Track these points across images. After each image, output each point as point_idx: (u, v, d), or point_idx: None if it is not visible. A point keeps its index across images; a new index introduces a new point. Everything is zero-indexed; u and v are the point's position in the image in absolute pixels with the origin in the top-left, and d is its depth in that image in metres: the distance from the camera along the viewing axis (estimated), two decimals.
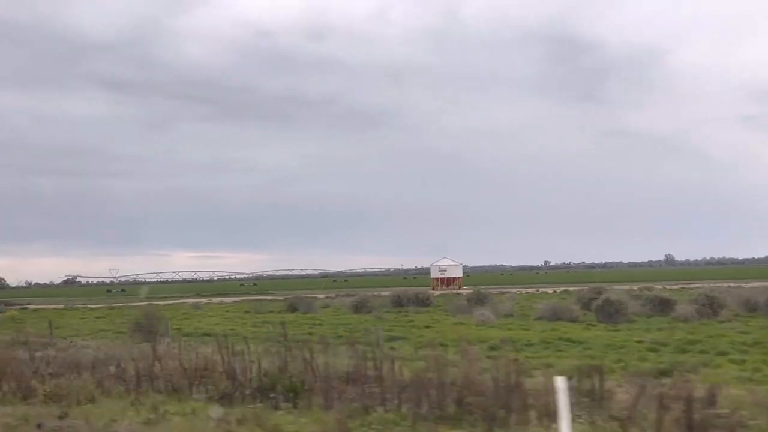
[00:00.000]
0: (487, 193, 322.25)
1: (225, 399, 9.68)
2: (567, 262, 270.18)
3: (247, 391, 9.73)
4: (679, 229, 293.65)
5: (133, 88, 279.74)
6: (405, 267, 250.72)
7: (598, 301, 29.33)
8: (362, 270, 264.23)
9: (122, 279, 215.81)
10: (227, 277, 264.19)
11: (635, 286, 51.32)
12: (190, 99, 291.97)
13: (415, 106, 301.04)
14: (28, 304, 63.00)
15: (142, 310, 28.06)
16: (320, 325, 29.97)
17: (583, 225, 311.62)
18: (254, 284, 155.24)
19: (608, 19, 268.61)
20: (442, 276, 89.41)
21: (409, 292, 46.94)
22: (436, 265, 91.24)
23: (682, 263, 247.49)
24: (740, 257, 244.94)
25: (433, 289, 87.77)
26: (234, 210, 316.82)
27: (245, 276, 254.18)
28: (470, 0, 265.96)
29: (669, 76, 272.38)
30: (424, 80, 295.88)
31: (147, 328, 22.08)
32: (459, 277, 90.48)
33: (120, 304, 57.39)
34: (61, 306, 58.28)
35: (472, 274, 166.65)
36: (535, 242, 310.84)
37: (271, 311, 41.18)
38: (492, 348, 17.17)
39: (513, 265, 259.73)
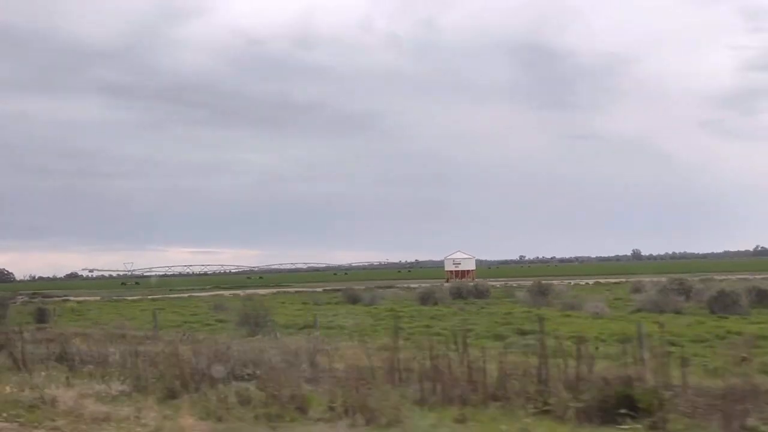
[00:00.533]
0: (464, 192, 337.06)
1: (548, 414, 8.00)
2: (541, 256, 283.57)
3: (579, 405, 7.88)
4: (644, 225, 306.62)
5: (132, 93, 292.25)
6: (390, 261, 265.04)
7: (711, 292, 28.69)
8: (348, 264, 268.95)
9: (135, 272, 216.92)
10: (224, 271, 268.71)
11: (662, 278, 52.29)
12: (186, 104, 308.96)
13: (398, 111, 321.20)
14: (66, 296, 63.96)
15: (244, 302, 28.86)
16: (437, 319, 27.68)
17: (554, 222, 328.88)
18: (260, 277, 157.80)
19: (579, 29, 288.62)
20: (456, 269, 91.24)
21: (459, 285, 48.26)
22: (449, 258, 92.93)
23: (648, 258, 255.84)
24: (700, 252, 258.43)
25: (447, 281, 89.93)
26: (227, 209, 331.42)
27: (237, 270, 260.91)
28: (448, 10, 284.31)
29: (635, 83, 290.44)
30: (406, 86, 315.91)
31: (254, 321, 21.62)
32: (472, 270, 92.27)
33: (159, 296, 58.95)
34: (99, 298, 59.58)
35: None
36: (511, 238, 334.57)
37: (328, 303, 41.48)
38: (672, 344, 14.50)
39: (491, 259, 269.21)
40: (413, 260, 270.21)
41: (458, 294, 42.80)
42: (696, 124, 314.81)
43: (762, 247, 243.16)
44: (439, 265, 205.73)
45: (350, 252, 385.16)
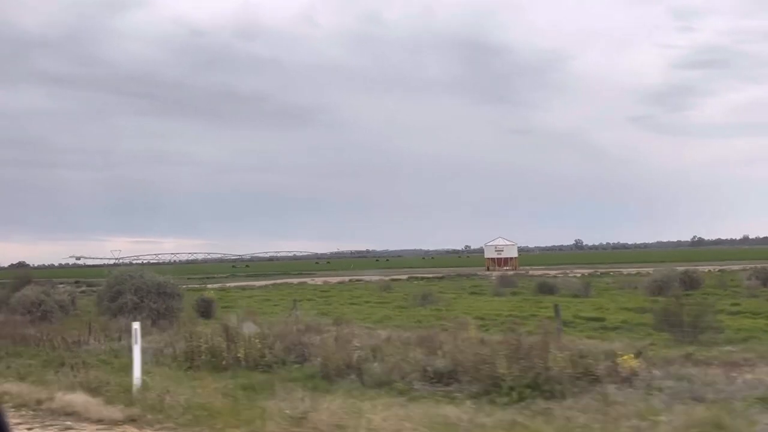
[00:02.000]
0: (407, 184, 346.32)
1: None
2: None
3: None
4: (584, 216, 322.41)
5: (73, 83, 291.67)
6: (341, 250, 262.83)
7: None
8: (292, 254, 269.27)
9: (123, 260, 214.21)
10: (173, 260, 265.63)
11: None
12: (129, 94, 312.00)
13: (341, 104, 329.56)
14: None
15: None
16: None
17: (497, 213, 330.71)
18: (246, 266, 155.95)
19: (518, 26, 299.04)
20: (498, 256, 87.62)
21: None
22: (491, 245, 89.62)
23: (590, 248, 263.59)
24: (631, 242, 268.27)
25: (487, 270, 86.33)
26: (169, 199, 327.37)
27: (174, 259, 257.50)
28: (392, 5, 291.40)
29: (570, 79, 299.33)
30: (350, 80, 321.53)
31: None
32: (514, 258, 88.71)
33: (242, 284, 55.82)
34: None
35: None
36: (456, 228, 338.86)
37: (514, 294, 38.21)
38: None
39: (434, 249, 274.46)
40: (364, 249, 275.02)
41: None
42: (627, 120, 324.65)
43: (699, 237, 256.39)
44: (397, 253, 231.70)
45: (296, 242, 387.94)
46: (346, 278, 64.34)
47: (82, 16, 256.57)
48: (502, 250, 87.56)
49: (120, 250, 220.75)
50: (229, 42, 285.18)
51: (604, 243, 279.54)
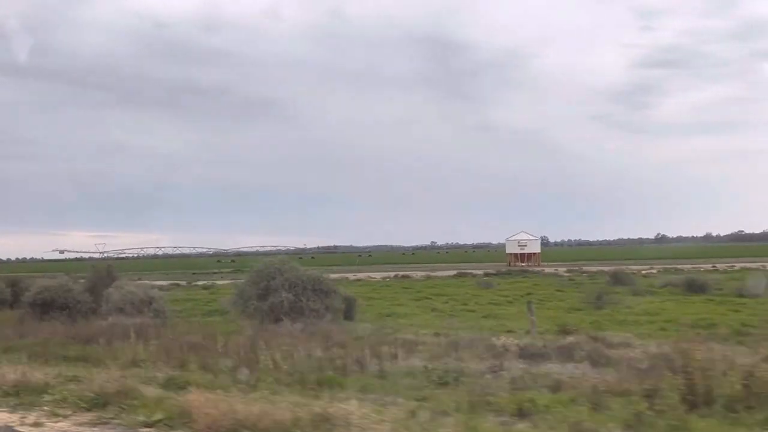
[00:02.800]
0: (372, 179, 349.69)
1: None
2: (453, 242, 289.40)
3: None
4: (549, 213, 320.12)
5: (31, 74, 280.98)
6: (308, 246, 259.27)
7: None
8: (254, 249, 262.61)
9: (109, 254, 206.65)
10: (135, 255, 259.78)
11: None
12: (89, 86, 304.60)
13: (303, 99, 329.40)
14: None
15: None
16: None
17: (462, 209, 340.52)
18: (232, 261, 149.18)
19: (481, 23, 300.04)
20: (522, 251, 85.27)
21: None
22: (513, 240, 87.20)
23: (554, 244, 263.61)
24: (592, 239, 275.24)
25: (509, 265, 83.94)
26: (128, 192, 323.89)
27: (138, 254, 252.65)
28: (356, 0, 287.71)
29: (533, 76, 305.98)
30: (312, 74, 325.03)
31: None
32: (537, 253, 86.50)
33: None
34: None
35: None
36: (422, 224, 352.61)
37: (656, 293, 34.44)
38: None
39: (407, 245, 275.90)
40: (332, 245, 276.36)
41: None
42: (589, 118, 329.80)
43: (663, 235, 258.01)
44: (365, 249, 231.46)
45: (255, 236, 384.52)
46: (391, 274, 61.05)
47: (41, 6, 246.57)
48: (526, 245, 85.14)
49: (104, 243, 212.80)
50: (192, 34, 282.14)
51: (568, 240, 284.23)
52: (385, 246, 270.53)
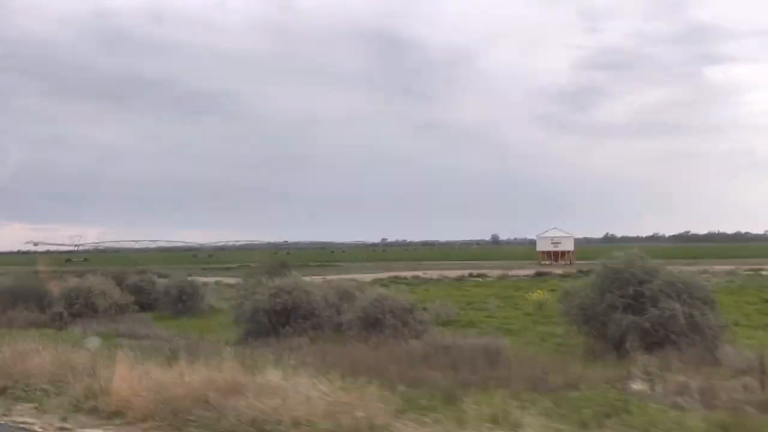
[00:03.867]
0: (320, 175, 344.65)
1: None
2: (402, 239, 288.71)
3: None
4: (499, 211, 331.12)
5: None
6: (257, 240, 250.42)
7: None
8: (198, 244, 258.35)
9: (84, 247, 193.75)
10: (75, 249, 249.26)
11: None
12: (29, 75, 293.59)
13: (250, 92, 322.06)
14: None
15: None
16: None
17: (411, 206, 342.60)
18: (209, 256, 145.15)
19: (430, 20, 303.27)
20: (555, 249, 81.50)
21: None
22: (545, 237, 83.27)
23: (506, 242, 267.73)
24: (529, 237, 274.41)
25: (540, 264, 79.97)
26: (68, 184, 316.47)
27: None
28: None
29: (480, 75, 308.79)
30: (260, 68, 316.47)
31: None
32: (571, 251, 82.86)
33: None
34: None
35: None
36: (370, 221, 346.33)
37: None
38: None
39: (347, 241, 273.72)
40: (282, 240, 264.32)
41: None
42: (534, 117, 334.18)
43: (611, 234, 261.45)
44: (318, 245, 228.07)
45: (199, 231, 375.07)
46: (464, 272, 55.99)
47: None
48: (560, 243, 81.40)
49: (80, 236, 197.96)
50: (137, 24, 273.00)
51: (520, 238, 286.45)
52: (333, 243, 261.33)
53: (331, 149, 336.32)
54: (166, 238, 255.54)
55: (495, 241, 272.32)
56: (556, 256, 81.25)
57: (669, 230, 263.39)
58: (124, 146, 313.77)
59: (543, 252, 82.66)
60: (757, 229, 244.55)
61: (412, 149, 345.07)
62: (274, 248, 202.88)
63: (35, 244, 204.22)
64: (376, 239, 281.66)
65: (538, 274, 52.68)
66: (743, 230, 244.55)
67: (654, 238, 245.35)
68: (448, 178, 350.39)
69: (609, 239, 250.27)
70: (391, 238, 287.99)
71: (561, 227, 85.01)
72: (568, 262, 79.66)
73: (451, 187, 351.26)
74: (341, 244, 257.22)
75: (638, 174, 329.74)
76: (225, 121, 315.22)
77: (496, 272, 55.24)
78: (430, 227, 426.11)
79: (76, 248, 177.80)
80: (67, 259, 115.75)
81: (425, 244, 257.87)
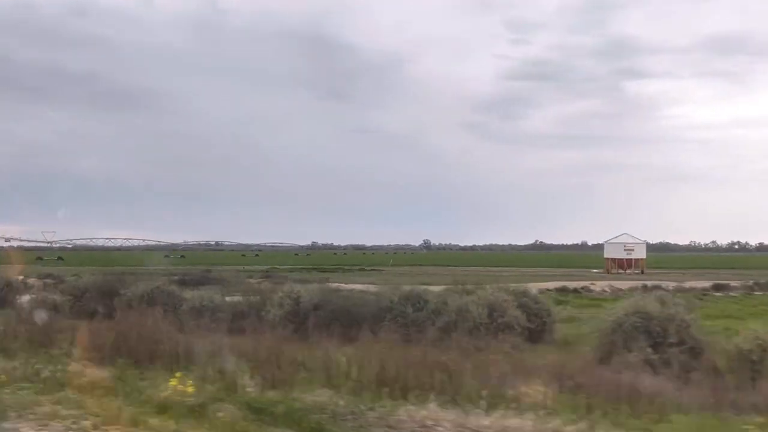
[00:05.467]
0: (248, 176, 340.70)
1: None
2: (331, 243, 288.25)
3: None
4: (430, 217, 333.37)
5: None
6: (188, 241, 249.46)
7: None
8: (120, 245, 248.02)
9: (57, 244, 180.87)
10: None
11: None
12: None
13: (174, 90, 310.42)
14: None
15: None
16: None
17: (342, 210, 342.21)
18: (182, 256, 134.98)
19: (362, 25, 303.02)
20: (628, 257, 74.54)
21: None
22: (616, 243, 76.42)
23: (438, 248, 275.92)
24: (461, 244, 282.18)
25: (607, 272, 73.48)
26: None
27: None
28: None
29: (411, 81, 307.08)
30: (185, 66, 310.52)
31: None
32: (642, 259, 75.83)
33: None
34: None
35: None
36: (298, 224, 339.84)
37: None
38: None
39: (275, 243, 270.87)
40: (213, 241, 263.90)
41: None
42: (462, 126, 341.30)
43: (540, 242, 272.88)
44: (248, 247, 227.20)
45: (120, 231, 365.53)
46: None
47: None
48: (633, 250, 74.39)
49: (54, 232, 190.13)
50: (59, 17, 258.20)
51: (452, 244, 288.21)
52: (261, 245, 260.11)
53: (259, 150, 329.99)
54: (86, 236, 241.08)
55: (427, 246, 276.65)
56: (624, 264, 74.37)
57: (596, 239, 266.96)
58: (43, 142, 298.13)
59: (612, 259, 75.86)
60: (683, 241, 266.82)
61: (342, 153, 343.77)
62: (213, 249, 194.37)
63: (6, 240, 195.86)
64: (305, 242, 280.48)
65: (717, 288, 44.74)
66: (667, 241, 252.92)
67: (583, 246, 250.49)
68: (378, 182, 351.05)
69: (538, 246, 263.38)
70: (320, 242, 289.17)
71: (631, 233, 78.14)
72: (639, 271, 72.89)
73: (381, 192, 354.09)
74: (271, 246, 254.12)
75: (564, 183, 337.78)
76: (150, 119, 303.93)
77: (600, 284, 47.65)
78: (359, 232, 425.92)
79: (49, 245, 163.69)
80: (38, 257, 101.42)
81: (356, 248, 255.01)
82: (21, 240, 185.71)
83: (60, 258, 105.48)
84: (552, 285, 41.47)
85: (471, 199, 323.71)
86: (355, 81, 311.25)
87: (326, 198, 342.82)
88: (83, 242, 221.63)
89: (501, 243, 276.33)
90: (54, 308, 19.59)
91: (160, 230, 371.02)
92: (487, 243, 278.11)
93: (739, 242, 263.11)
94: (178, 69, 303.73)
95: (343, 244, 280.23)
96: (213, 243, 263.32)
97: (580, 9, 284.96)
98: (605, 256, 77.96)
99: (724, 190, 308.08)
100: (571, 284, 45.94)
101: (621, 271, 73.48)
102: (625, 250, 74.71)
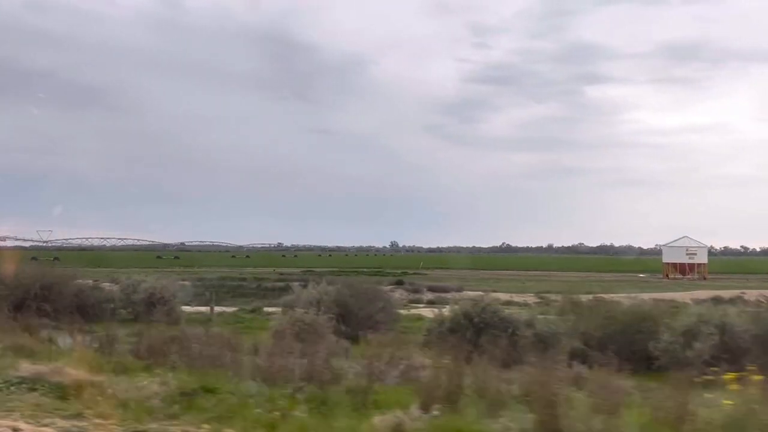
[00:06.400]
0: (207, 176, 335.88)
1: None
2: (301, 244, 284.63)
3: None
4: (397, 219, 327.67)
5: None
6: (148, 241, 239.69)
7: None
8: (73, 243, 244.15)
9: (54, 243, 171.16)
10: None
11: None
12: None
13: (135, 88, 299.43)
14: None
15: None
16: None
17: (304, 210, 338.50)
18: (176, 257, 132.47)
19: (323, 26, 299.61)
20: (690, 261, 70.46)
21: None
22: (677, 247, 72.59)
23: (406, 250, 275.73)
24: (426, 246, 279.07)
25: (666, 277, 69.51)
26: None
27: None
28: None
29: (371, 83, 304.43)
30: (146, 64, 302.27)
31: None
32: (705, 264, 71.68)
33: None
34: None
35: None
36: (265, 225, 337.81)
37: None
38: None
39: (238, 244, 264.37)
40: (178, 242, 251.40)
41: None
42: (423, 128, 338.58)
43: (507, 244, 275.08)
44: (211, 247, 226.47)
45: (72, 229, 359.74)
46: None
47: None
48: (695, 254, 70.40)
49: (51, 231, 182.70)
50: (16, 13, 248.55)
51: (419, 246, 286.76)
52: (219, 245, 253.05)
53: (222, 150, 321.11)
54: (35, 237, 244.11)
55: (395, 248, 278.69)
56: (684, 269, 70.31)
57: (564, 241, 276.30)
58: None
59: (671, 264, 71.85)
60: (649, 244, 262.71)
61: (304, 154, 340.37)
62: (178, 249, 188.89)
63: (2, 240, 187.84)
64: (270, 243, 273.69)
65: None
66: (633, 244, 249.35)
67: (549, 249, 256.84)
68: (339, 184, 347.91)
69: (505, 249, 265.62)
70: (287, 242, 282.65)
71: (692, 236, 73.95)
72: (701, 277, 68.89)
73: (343, 193, 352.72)
74: (239, 247, 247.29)
75: (525, 186, 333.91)
76: (109, 117, 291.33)
77: (752, 293, 41.64)
78: (319, 233, 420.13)
79: (45, 244, 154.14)
80: (32, 258, 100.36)
81: (324, 249, 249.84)
82: (17, 239, 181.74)
83: (56, 258, 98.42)
84: (701, 295, 37.43)
85: (434, 201, 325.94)
86: (317, 82, 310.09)
87: (286, 198, 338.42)
88: (77, 242, 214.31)
89: (464, 245, 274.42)
90: None
91: (120, 228, 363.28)
92: (452, 245, 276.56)
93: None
94: (139, 66, 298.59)
95: (301, 244, 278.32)
96: (179, 244, 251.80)
97: (540, 14, 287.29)
98: (664, 260, 74.13)
99: (678, 194, 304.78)
100: (725, 294, 41.61)
101: (680, 276, 69.53)
102: (687, 254, 70.62)
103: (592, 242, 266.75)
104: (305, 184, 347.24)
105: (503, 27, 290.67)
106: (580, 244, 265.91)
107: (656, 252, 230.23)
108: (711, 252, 76.36)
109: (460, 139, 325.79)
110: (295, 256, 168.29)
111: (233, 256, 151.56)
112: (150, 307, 22.85)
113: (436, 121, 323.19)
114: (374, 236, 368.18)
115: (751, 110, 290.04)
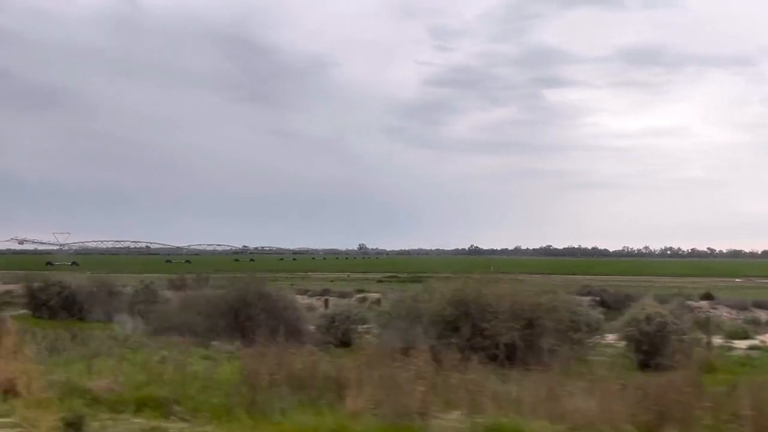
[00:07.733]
0: (166, 177, 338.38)
1: None
2: (267, 246, 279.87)
3: None
4: (365, 221, 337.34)
5: None
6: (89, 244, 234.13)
7: None
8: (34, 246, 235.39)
9: (72, 245, 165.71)
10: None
11: None
12: None
13: (91, 89, 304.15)
14: None
15: None
16: None
17: (268, 213, 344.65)
18: (187, 261, 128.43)
19: (284, 28, 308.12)
20: None
21: None
22: None
23: (376, 252, 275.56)
24: (389, 249, 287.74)
25: None
26: None
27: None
28: None
29: (333, 85, 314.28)
30: (104, 64, 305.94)
31: None
32: None
33: None
34: None
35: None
36: (227, 226, 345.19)
37: None
38: None
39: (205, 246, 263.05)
40: (146, 244, 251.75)
41: None
42: (383, 130, 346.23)
43: (475, 246, 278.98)
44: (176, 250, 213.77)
45: (9, 231, 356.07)
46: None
47: None
48: None
49: (69, 233, 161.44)
50: None
51: (388, 249, 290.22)
52: (180, 247, 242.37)
53: (179, 151, 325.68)
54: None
55: (363, 251, 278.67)
56: None
57: (533, 243, 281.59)
58: None
59: None
60: (616, 246, 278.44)
61: (265, 155, 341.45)
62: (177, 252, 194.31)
63: (20, 242, 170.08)
64: (234, 245, 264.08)
65: None
66: (600, 246, 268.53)
67: (517, 251, 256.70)
68: (301, 186, 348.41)
69: (474, 251, 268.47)
70: (252, 244, 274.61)
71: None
72: None
73: (306, 196, 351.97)
74: (200, 249, 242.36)
75: (487, 188, 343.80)
76: (67, 119, 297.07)
77: None
78: (283, 235, 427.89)
79: (60, 248, 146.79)
80: (47, 263, 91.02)
81: (295, 253, 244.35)
82: (34, 242, 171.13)
83: (75, 263, 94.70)
84: None
85: (398, 204, 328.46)
86: (277, 83, 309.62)
87: (249, 201, 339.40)
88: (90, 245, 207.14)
89: (431, 248, 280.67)
90: None
91: (80, 230, 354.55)
92: (417, 247, 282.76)
93: (671, 248, 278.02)
94: (96, 66, 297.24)
95: (267, 246, 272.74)
96: (145, 246, 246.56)
97: (500, 18, 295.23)
98: None
99: (640, 197, 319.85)
100: None
101: None
102: None
103: (560, 244, 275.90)
104: (267, 186, 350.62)
105: (465, 30, 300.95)
106: (548, 246, 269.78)
107: (624, 254, 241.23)
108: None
109: (423, 142, 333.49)
110: (252, 260, 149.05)
111: (167, 261, 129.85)
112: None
113: (399, 123, 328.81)
114: (340, 239, 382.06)
115: (707, 114, 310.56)
